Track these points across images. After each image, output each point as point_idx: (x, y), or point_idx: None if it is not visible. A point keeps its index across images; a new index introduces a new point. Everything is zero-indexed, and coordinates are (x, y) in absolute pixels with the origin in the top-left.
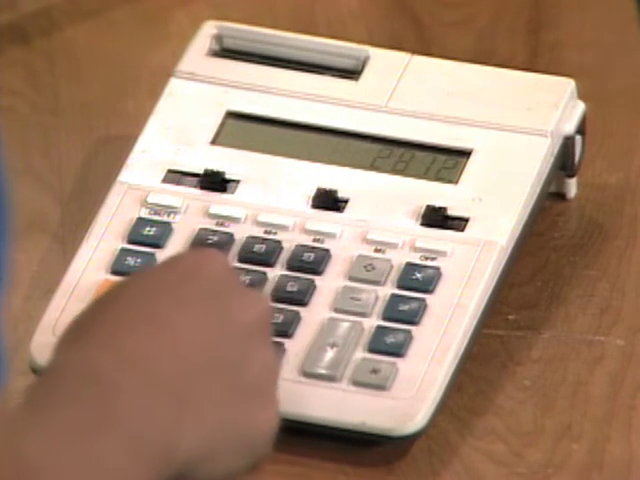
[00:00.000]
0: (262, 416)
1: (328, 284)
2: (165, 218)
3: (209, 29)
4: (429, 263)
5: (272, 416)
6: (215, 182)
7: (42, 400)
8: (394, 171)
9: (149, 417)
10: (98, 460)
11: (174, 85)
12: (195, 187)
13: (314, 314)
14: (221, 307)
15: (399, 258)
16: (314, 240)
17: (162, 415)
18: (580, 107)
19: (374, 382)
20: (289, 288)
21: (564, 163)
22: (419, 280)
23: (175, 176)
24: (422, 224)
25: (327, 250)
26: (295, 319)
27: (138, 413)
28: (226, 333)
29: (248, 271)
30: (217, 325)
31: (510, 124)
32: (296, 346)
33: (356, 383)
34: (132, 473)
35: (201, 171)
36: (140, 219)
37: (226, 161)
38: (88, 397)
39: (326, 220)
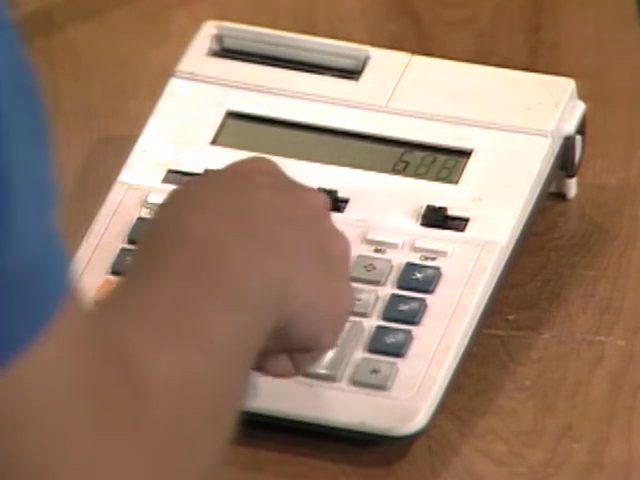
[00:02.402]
0: (344, 286)
1: None
2: None
3: (209, 29)
4: (429, 263)
5: (350, 292)
6: None
7: (142, 272)
8: (394, 171)
9: (258, 273)
10: (206, 328)
11: (174, 85)
12: None
13: None
14: (289, 190)
15: (399, 258)
16: None
17: (270, 269)
18: (580, 107)
19: (374, 382)
20: None
21: (564, 163)
22: (419, 280)
23: (175, 176)
24: (422, 224)
25: None
26: None
27: (245, 271)
28: (302, 206)
29: None
30: (292, 199)
31: (510, 124)
32: None
33: (356, 383)
34: (242, 333)
35: (201, 171)
36: (140, 219)
37: (226, 161)
38: (190, 262)
39: None
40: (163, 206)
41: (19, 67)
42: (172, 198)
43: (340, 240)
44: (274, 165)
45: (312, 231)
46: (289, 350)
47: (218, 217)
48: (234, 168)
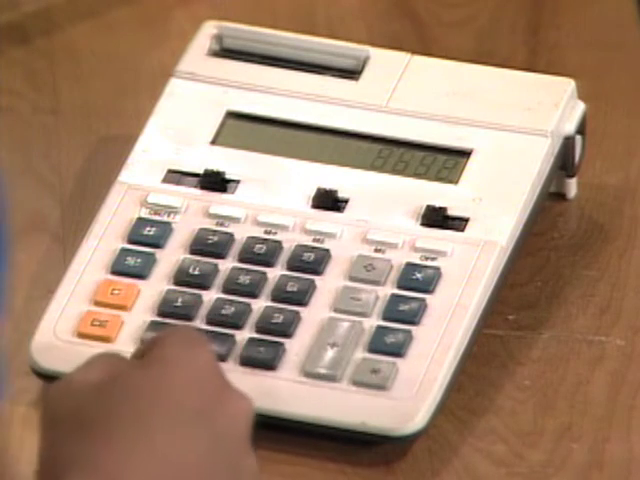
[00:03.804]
0: None
1: (328, 284)
2: (165, 218)
3: (209, 29)
4: (429, 263)
5: None
6: (215, 182)
7: None
8: (394, 171)
9: None
10: None
11: (174, 85)
12: (195, 187)
13: (314, 314)
14: (211, 419)
15: (399, 258)
16: (314, 240)
17: None
18: (580, 107)
19: (374, 382)
20: (289, 288)
21: (564, 163)
22: (419, 280)
23: (175, 176)
24: (422, 224)
25: (327, 250)
26: (295, 319)
27: None
28: (219, 453)
29: (248, 271)
30: (210, 444)
31: (510, 124)
32: (296, 346)
33: (356, 383)
34: None
35: (201, 171)
36: (140, 219)
37: (226, 161)
38: None
39: (326, 220)
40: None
41: None
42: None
43: (252, 465)
44: (202, 348)
45: (219, 473)
46: None
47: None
48: (154, 373)
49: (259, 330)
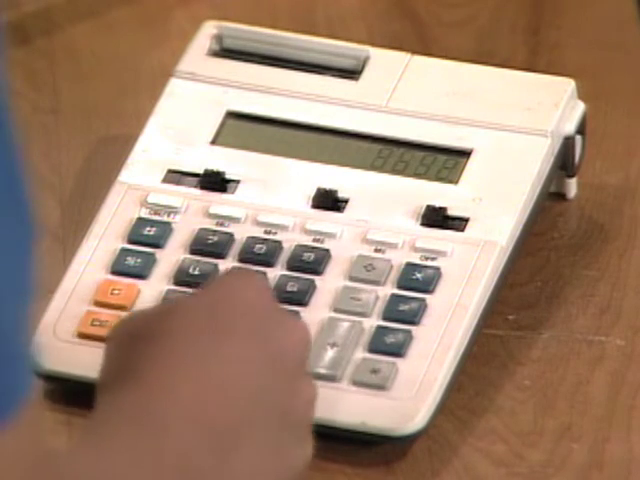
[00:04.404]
0: (300, 452)
1: (328, 284)
2: (165, 218)
3: (209, 29)
4: (429, 263)
5: (309, 452)
6: (215, 182)
7: (95, 443)
8: (394, 171)
9: (196, 464)
10: None
11: (174, 85)
12: (195, 187)
13: (314, 314)
14: (266, 342)
15: (399, 258)
16: (314, 240)
17: (207, 464)
18: (580, 107)
19: (374, 382)
20: (289, 288)
21: (564, 163)
22: (419, 280)
23: (175, 176)
24: (422, 224)
25: (327, 250)
26: None
27: (186, 458)
28: (273, 372)
29: None
30: (264, 364)
31: (510, 124)
32: None
33: (356, 383)
34: None
35: (201, 171)
36: (140, 219)
37: (226, 161)
38: (139, 440)
39: (326, 220)
40: (123, 357)
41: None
42: (133, 343)
43: (307, 392)
44: (259, 286)
45: (273, 393)
46: None
47: (174, 399)
48: (214, 301)
49: None
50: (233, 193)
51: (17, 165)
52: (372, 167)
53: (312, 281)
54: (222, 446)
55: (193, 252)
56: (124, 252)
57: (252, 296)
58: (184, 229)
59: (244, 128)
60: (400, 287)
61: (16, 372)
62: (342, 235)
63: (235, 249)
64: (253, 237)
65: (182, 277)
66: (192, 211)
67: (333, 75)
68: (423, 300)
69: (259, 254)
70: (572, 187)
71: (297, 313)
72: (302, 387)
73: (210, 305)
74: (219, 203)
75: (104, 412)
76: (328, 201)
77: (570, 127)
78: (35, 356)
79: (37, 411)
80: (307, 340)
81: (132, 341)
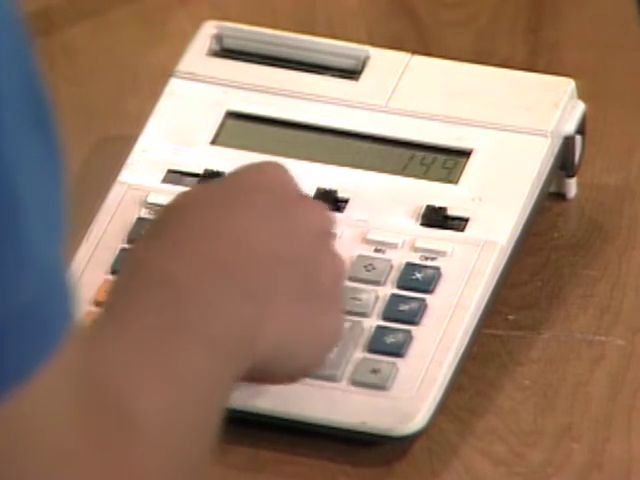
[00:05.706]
0: (332, 317)
1: None
2: None
3: (209, 29)
4: (429, 263)
5: (340, 320)
6: None
7: (120, 311)
8: (394, 171)
9: (227, 317)
10: (179, 364)
11: (174, 85)
12: None
13: None
14: (285, 213)
15: (399, 258)
16: None
17: (240, 313)
18: (580, 107)
19: (374, 382)
20: None
21: (564, 163)
22: (419, 280)
23: (175, 176)
24: (422, 224)
25: None
26: None
27: (215, 314)
28: (293, 235)
29: None
30: (284, 227)
31: (510, 124)
32: None
33: (356, 383)
34: (214, 372)
35: (201, 171)
36: (140, 219)
37: (226, 161)
38: (165, 304)
39: None
40: (146, 236)
41: (34, 94)
42: (154, 228)
43: (333, 266)
44: (282, 173)
45: (298, 265)
46: (274, 382)
47: (195, 259)
48: (234, 181)
49: None
50: None
51: (44, 95)
52: (372, 167)
53: None
54: (252, 295)
55: None
56: (124, 252)
57: (272, 178)
58: None
59: (244, 128)
60: (400, 287)
61: (62, 300)
62: (342, 235)
63: None
64: None
65: None
66: None
67: (333, 75)
68: (423, 300)
69: None
70: (572, 187)
71: None
72: (327, 260)
73: (232, 189)
74: None
75: (127, 278)
76: (328, 201)
77: (570, 127)
78: (75, 286)
79: (81, 332)
80: (328, 217)
81: (162, 217)
